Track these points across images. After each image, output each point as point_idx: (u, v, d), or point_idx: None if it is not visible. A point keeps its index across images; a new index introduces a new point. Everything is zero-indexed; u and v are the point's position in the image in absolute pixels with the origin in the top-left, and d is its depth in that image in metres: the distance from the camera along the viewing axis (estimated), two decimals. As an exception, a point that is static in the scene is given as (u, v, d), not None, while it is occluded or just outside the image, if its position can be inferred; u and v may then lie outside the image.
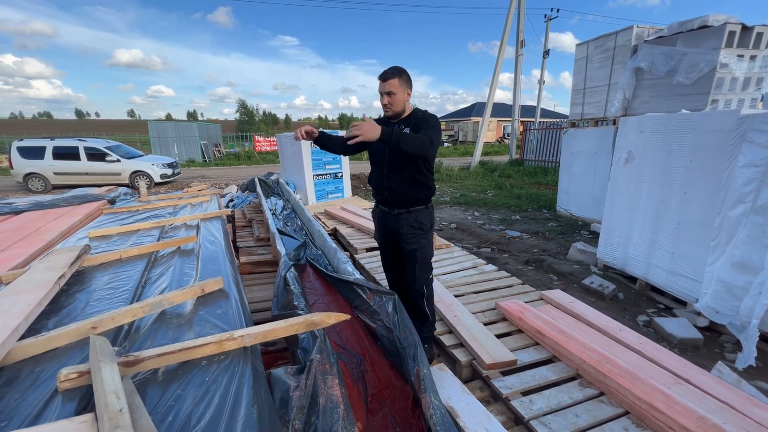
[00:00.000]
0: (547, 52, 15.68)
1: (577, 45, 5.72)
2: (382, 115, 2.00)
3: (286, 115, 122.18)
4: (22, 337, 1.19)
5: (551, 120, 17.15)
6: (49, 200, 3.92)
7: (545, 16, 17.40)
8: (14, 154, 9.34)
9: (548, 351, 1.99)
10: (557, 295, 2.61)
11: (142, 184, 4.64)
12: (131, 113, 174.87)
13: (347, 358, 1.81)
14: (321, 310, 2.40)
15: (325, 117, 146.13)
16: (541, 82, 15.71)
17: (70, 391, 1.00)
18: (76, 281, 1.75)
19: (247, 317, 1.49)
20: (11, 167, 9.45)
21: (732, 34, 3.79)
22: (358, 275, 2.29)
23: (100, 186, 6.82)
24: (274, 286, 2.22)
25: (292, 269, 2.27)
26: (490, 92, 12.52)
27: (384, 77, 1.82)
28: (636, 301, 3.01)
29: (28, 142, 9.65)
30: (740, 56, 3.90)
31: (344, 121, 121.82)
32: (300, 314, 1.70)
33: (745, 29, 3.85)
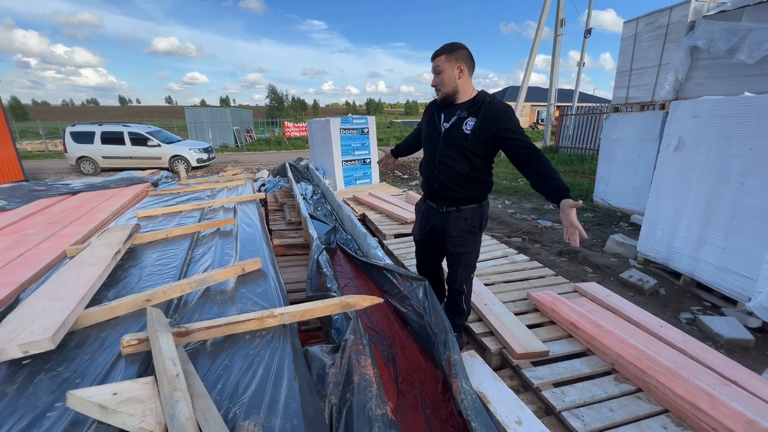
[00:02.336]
0: (588, 31, 14.65)
1: (625, 22, 5.31)
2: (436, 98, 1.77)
3: (314, 100, 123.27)
4: (88, 306, 1.31)
5: (590, 105, 16.19)
6: (100, 182, 4.21)
7: (589, -9, 16.19)
8: (68, 138, 10.06)
9: (582, 344, 1.94)
10: (593, 287, 2.52)
11: (182, 168, 4.87)
12: (168, 99, 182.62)
13: (378, 341, 1.86)
14: (352, 293, 2.46)
15: (353, 102, 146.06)
16: (580, 63, 14.77)
17: (132, 356, 1.09)
18: (129, 257, 1.89)
19: (284, 296, 1.55)
20: (65, 151, 10.20)
21: (810, 5, 3.38)
22: (388, 260, 2.32)
23: (143, 169, 7.24)
24: (308, 268, 2.30)
25: (324, 252, 2.33)
26: (525, 75, 11.95)
27: (433, 55, 1.65)
28: (679, 297, 2.85)
29: (79, 128, 10.34)
30: (818, 31, 3.47)
31: (371, 106, 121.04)
32: (333, 296, 1.76)
33: (827, 0, 3.41)
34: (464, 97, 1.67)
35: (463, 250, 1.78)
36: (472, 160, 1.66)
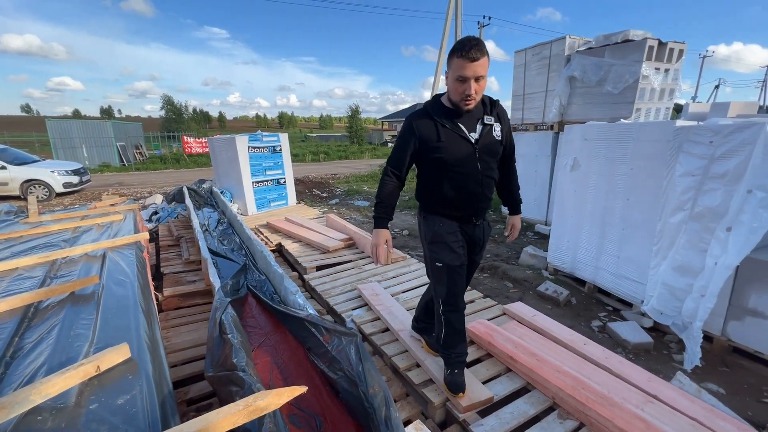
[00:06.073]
0: (482, 58, 16.40)
1: (516, 52, 5.93)
2: (456, 105, 1.49)
3: (220, 112, 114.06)
4: None
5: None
6: None
7: (478, 23, 18.32)
8: None
9: (522, 378, 1.87)
10: (519, 308, 2.55)
11: (32, 200, 3.77)
12: (26, 108, 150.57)
13: (303, 422, 1.50)
14: (268, 354, 2.03)
15: (264, 115, 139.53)
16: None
17: None
18: None
19: (163, 401, 1.10)
20: None
21: (651, 48, 4.14)
22: (311, 310, 1.98)
23: (-25, 201, 5.49)
24: (207, 332, 1.82)
25: (230, 308, 1.89)
26: (432, 95, 12.75)
27: (474, 56, 1.34)
28: (587, 304, 3.10)
29: None
30: (657, 69, 4.28)
31: (284, 119, 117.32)
32: (240, 377, 1.36)
33: (661, 44, 4.23)
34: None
35: (481, 257, 1.82)
36: (498, 163, 1.65)
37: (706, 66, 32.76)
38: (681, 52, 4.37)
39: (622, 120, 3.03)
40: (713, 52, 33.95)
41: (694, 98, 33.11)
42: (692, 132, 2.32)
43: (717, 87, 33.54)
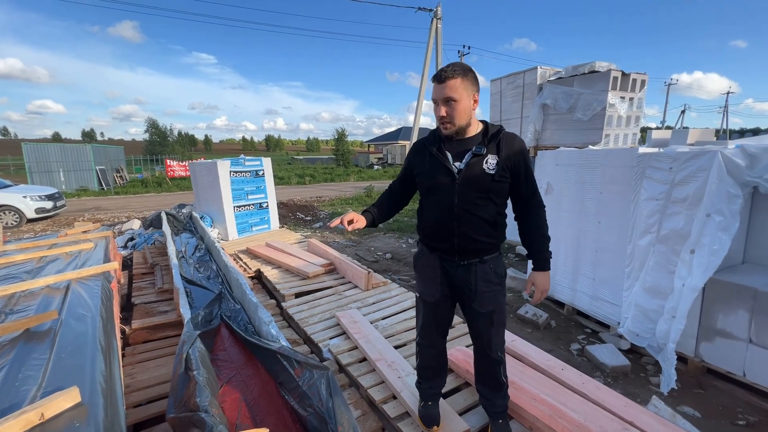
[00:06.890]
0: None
1: (492, 81, 6.20)
2: (439, 131, 1.47)
3: (206, 136, 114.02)
4: None
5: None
6: None
7: (458, 51, 19.22)
8: None
9: (499, 407, 1.84)
10: (498, 333, 2.53)
11: (-3, 228, 3.61)
12: (4, 131, 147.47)
13: (270, 465, 1.42)
14: (237, 390, 1.95)
15: (251, 138, 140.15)
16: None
17: None
18: None
19: (114, 450, 1.03)
20: None
21: (615, 79, 4.40)
22: (284, 341, 1.92)
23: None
24: (173, 369, 1.74)
25: (198, 343, 1.82)
26: (415, 119, 13.11)
27: (441, 78, 1.33)
28: (566, 327, 3.11)
29: None
30: (622, 98, 4.54)
31: (271, 142, 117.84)
32: (202, 418, 1.30)
33: (624, 75, 4.51)
34: (473, 130, 1.43)
35: (495, 308, 1.51)
36: (497, 202, 1.44)
37: (671, 93, 35.00)
38: (643, 82, 4.65)
39: (590, 146, 3.17)
40: (677, 80, 36.39)
41: (662, 122, 35.11)
42: (653, 159, 2.44)
43: (683, 112, 35.70)
